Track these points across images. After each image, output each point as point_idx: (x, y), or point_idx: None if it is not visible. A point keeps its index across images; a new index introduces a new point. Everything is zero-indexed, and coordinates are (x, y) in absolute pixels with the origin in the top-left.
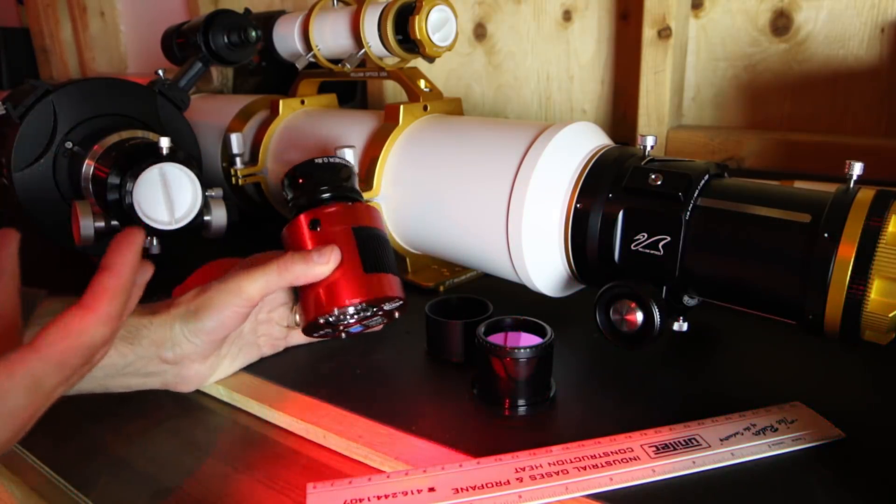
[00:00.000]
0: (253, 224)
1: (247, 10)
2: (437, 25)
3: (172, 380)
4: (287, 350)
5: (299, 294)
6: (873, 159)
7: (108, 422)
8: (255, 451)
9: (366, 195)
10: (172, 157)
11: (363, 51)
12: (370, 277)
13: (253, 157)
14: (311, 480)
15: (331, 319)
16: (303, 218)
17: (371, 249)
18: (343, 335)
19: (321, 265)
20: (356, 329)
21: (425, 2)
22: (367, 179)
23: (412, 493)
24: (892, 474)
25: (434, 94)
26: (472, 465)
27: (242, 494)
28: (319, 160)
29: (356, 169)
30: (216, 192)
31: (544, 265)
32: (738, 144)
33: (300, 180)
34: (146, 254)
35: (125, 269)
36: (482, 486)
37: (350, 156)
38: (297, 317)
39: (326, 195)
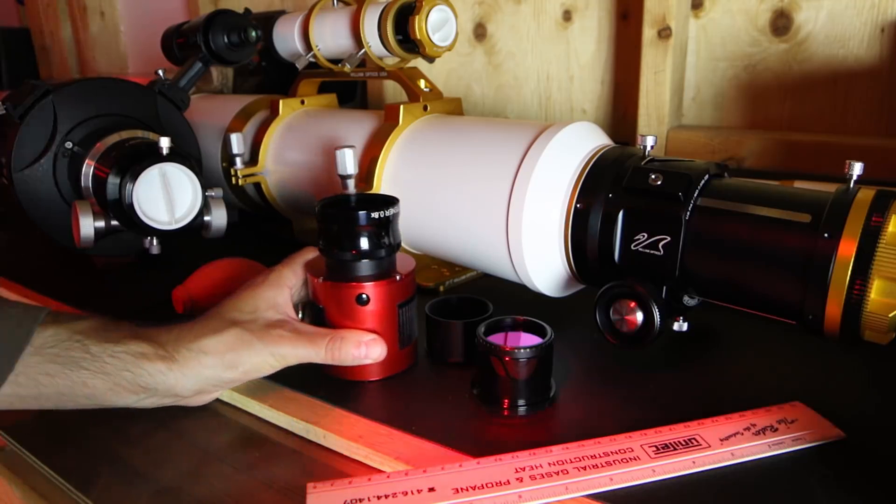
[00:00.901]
0: (253, 224)
1: (247, 10)
2: (437, 25)
3: (184, 403)
4: None
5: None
6: (873, 159)
7: (109, 422)
8: (255, 451)
9: None
10: (172, 157)
11: (363, 51)
12: (401, 353)
13: (253, 157)
14: (311, 480)
15: None
16: (349, 290)
17: (407, 324)
18: None
19: (370, 360)
20: None
21: (425, 2)
22: (367, 179)
23: (412, 493)
24: (892, 474)
25: (434, 94)
26: (472, 465)
27: (242, 494)
28: (373, 216)
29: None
30: (216, 192)
31: (544, 265)
32: (738, 144)
33: (349, 238)
34: (146, 254)
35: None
36: (482, 486)
37: (350, 156)
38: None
39: (376, 270)
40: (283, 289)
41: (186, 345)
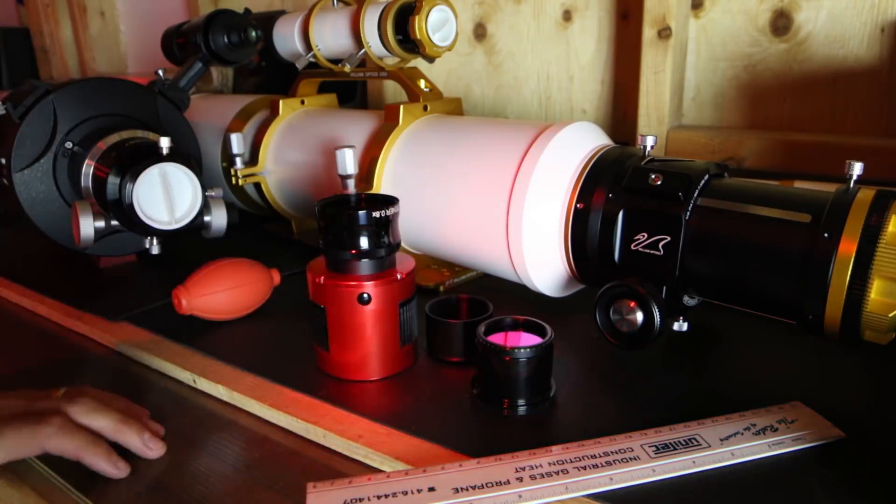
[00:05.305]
0: (253, 224)
1: (247, 10)
2: (437, 25)
3: None
4: (287, 349)
5: (329, 337)
6: (873, 159)
7: None
8: (255, 451)
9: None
10: (172, 157)
11: (363, 51)
12: (401, 351)
13: (253, 157)
14: (311, 480)
15: None
16: (350, 289)
17: (407, 322)
18: None
19: (149, 454)
20: None
21: (425, 2)
22: (367, 179)
23: (412, 492)
24: (892, 474)
25: (434, 94)
26: (472, 465)
27: (242, 494)
28: (373, 215)
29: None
30: (216, 192)
31: (544, 265)
32: (738, 144)
33: (349, 237)
34: (146, 254)
35: None
36: (482, 486)
37: (350, 156)
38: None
39: (377, 269)
40: None
41: None
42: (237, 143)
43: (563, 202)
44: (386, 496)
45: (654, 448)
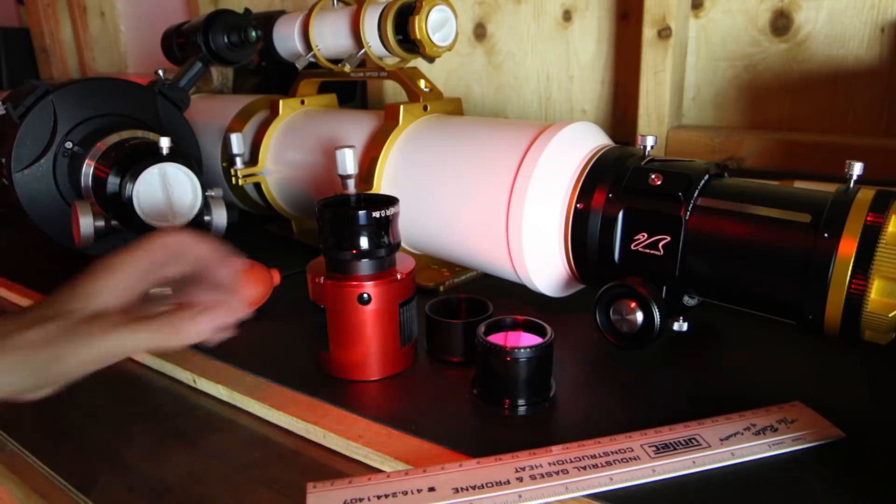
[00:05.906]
0: (253, 224)
1: (247, 10)
2: (437, 25)
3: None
4: (287, 349)
5: (329, 337)
6: (873, 159)
7: (108, 422)
8: (255, 451)
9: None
10: (172, 157)
11: (363, 51)
12: (401, 352)
13: (253, 157)
14: (311, 480)
15: None
16: (350, 289)
17: (407, 323)
18: None
19: (210, 330)
20: None
21: (425, 2)
22: (367, 179)
23: (412, 492)
24: (892, 474)
25: (434, 94)
26: (472, 465)
27: (242, 494)
28: (373, 215)
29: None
30: (216, 192)
31: (544, 265)
32: (738, 144)
33: (349, 238)
34: None
35: None
36: (482, 486)
37: (350, 156)
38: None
39: (377, 269)
40: (116, 274)
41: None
42: (237, 143)
43: (563, 202)
44: (386, 496)
45: (654, 448)
